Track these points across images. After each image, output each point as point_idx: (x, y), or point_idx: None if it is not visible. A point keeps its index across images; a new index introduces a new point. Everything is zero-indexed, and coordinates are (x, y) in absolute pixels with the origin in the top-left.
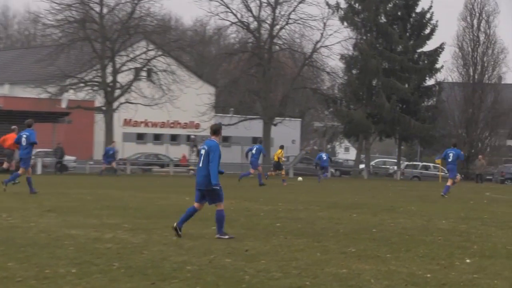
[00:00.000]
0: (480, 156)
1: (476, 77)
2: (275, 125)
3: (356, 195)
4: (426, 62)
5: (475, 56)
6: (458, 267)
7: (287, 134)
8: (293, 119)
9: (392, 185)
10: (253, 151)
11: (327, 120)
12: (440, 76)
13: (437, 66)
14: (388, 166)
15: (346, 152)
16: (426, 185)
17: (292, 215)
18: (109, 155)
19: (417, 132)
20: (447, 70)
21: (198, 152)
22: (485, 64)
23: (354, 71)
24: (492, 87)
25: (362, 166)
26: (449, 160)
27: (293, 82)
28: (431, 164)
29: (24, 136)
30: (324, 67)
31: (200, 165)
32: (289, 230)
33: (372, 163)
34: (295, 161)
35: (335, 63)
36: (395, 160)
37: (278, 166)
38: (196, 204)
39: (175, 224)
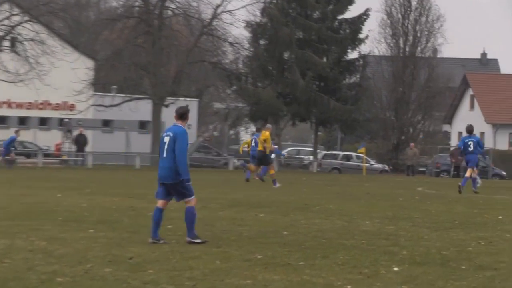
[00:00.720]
0: (411, 144)
1: (407, 49)
2: (166, 106)
3: (264, 191)
4: (348, 31)
5: (406, 24)
6: (384, 276)
7: None
8: (188, 99)
9: (307, 178)
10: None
11: (229, 101)
12: (364, 48)
13: (361, 36)
14: (302, 156)
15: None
16: (347, 178)
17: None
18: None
19: (337, 115)
20: (373, 41)
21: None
22: (418, 34)
23: (262, 42)
24: (426, 62)
25: (271, 156)
26: (470, 149)
27: (189, 55)
28: (354, 154)
29: None
30: (226, 37)
31: (164, 155)
32: (182, 233)
33: (284, 152)
34: (191, 149)
35: (239, 32)
36: (311, 149)
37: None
38: (160, 202)
39: (150, 240)
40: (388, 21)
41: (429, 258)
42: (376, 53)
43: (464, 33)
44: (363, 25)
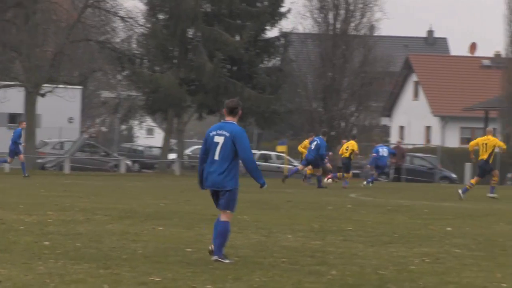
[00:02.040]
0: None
1: (338, 26)
2: (43, 95)
3: (163, 199)
4: (266, 3)
5: None
6: None
7: (61, 109)
8: (70, 86)
9: None
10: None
11: (120, 89)
12: (287, 25)
13: (283, 9)
14: None
15: (149, 136)
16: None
17: (68, 229)
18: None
19: (253, 106)
20: (297, 15)
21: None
22: (351, 8)
23: (161, 16)
24: (361, 41)
25: (172, 156)
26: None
27: (71, 32)
28: (274, 153)
29: None
30: (116, 10)
31: (216, 157)
32: (62, 252)
33: (188, 151)
34: (72, 148)
35: (133, 4)
36: None
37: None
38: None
39: (214, 258)
40: None
41: (364, 278)
42: (301, 30)
43: (408, 7)
44: None
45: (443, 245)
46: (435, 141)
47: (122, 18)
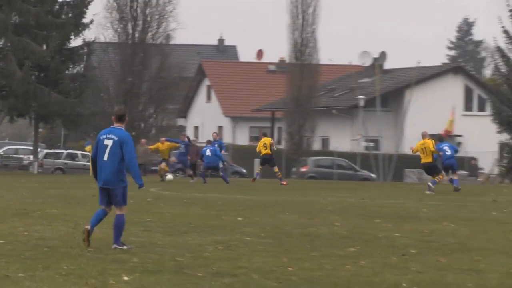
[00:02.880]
0: (142, 140)
1: (136, 35)
2: None
3: None
4: (70, 15)
5: (134, 7)
6: (113, 286)
7: None
8: None
9: (26, 180)
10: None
11: None
12: (89, 35)
13: (85, 21)
14: (22, 156)
15: None
16: (72, 179)
17: None
18: None
19: (59, 109)
20: (99, 26)
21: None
22: (148, 19)
23: None
24: (157, 49)
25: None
26: (448, 154)
27: None
28: (80, 152)
29: None
30: None
31: (105, 158)
32: None
33: (0, 151)
34: None
35: None
36: (31, 148)
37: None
38: (104, 208)
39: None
40: (115, 4)
41: (163, 265)
42: (102, 39)
43: (200, 17)
44: (87, 8)
45: (234, 233)
46: (227, 139)
47: None
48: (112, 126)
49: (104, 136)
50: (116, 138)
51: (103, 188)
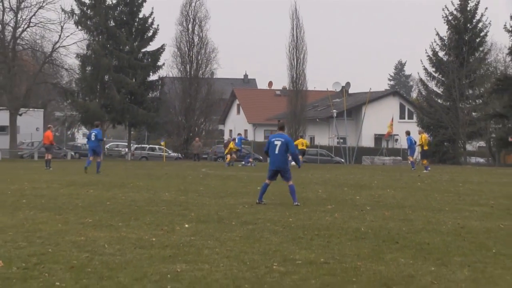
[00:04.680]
0: (196, 139)
1: (192, 72)
2: (20, 115)
3: (94, 174)
4: (149, 60)
5: (191, 55)
6: (178, 231)
7: (31, 123)
8: (36, 109)
9: (124, 165)
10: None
11: (66, 110)
12: (162, 72)
13: (159, 63)
14: (120, 149)
15: (84, 138)
16: (152, 164)
17: (36, 193)
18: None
19: (143, 119)
20: (168, 67)
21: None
22: (199, 62)
23: (88, 68)
24: (205, 81)
25: None
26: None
27: (35, 78)
28: (157, 146)
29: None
30: (62, 65)
31: (276, 152)
32: (33, 206)
33: (107, 146)
34: (39, 146)
35: (72, 61)
36: (126, 143)
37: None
38: (268, 181)
39: (257, 201)
40: (178, 53)
41: (210, 217)
42: (171, 75)
43: (232, 60)
44: (160, 55)
45: (255, 197)
46: (250, 138)
47: (66, 69)
48: (277, 133)
49: (274, 139)
50: (283, 140)
51: (274, 170)
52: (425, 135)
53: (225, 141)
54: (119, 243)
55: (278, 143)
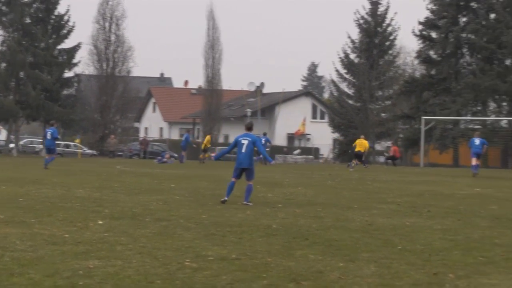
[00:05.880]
0: (112, 136)
1: (109, 70)
2: None
3: (7, 171)
4: (65, 57)
5: (107, 53)
6: (92, 227)
7: None
8: None
9: (38, 161)
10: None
11: None
12: (78, 70)
13: (75, 61)
14: (35, 145)
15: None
16: (67, 160)
17: None
18: None
19: (59, 116)
20: (85, 64)
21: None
22: (116, 60)
23: (3, 64)
24: (122, 79)
25: (12, 145)
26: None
27: None
28: (72, 143)
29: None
30: None
31: (243, 150)
32: None
33: (21, 142)
34: None
35: None
36: (41, 140)
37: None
38: (234, 179)
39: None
40: (95, 51)
41: (124, 214)
42: (87, 73)
43: (148, 58)
44: (76, 53)
45: (169, 194)
46: (165, 136)
47: None
48: (245, 132)
49: (242, 138)
50: (250, 139)
51: (241, 169)
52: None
53: (140, 139)
54: (31, 239)
55: (246, 142)
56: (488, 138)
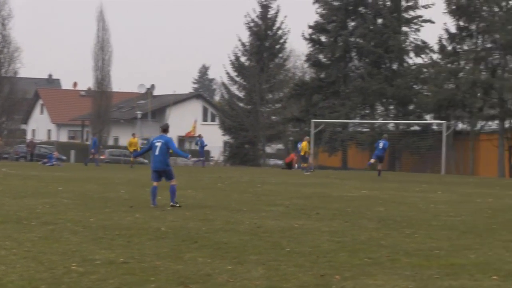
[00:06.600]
0: None
1: None
2: None
3: None
4: None
5: None
6: None
7: None
8: None
9: None
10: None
11: None
12: None
13: None
14: None
15: None
16: None
17: None
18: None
19: None
20: None
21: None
22: (2, 61)
23: None
24: (8, 80)
25: None
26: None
27: None
28: None
29: None
30: None
31: (157, 153)
32: None
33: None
34: None
35: None
36: None
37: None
38: (155, 183)
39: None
40: None
41: (8, 218)
42: None
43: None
44: None
45: (56, 197)
46: (53, 138)
47: None
48: (161, 134)
49: (155, 141)
50: (163, 141)
51: (156, 171)
52: (305, 142)
53: (27, 141)
54: None
55: (159, 144)
56: (375, 141)
